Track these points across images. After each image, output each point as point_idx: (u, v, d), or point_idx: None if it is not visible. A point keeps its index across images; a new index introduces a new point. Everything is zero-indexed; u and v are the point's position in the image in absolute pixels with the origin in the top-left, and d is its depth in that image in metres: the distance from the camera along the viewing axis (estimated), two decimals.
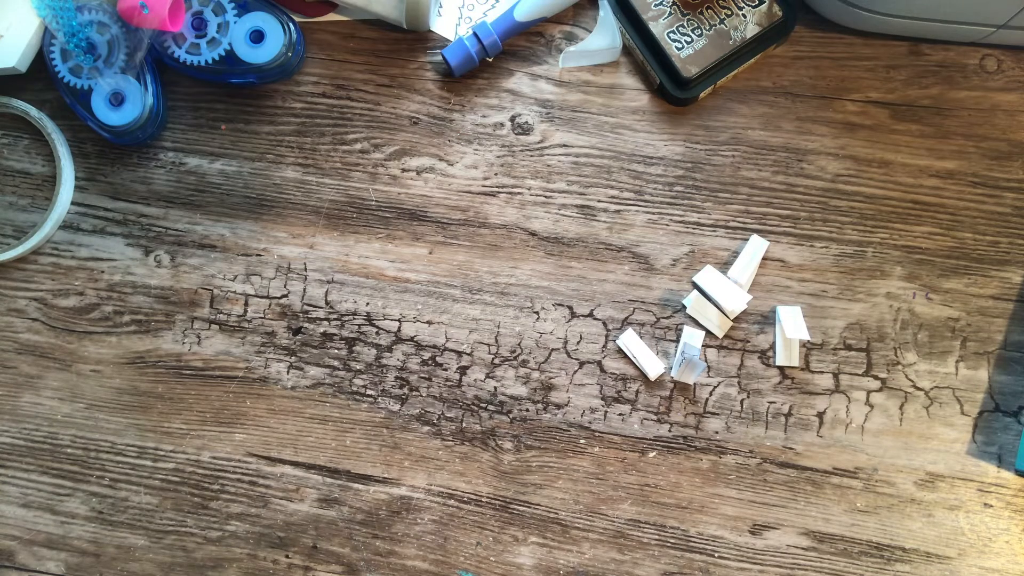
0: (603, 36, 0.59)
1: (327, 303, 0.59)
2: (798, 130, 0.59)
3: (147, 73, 0.59)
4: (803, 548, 0.56)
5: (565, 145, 0.60)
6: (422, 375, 0.59)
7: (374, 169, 0.60)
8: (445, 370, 0.59)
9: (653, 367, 0.57)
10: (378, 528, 0.58)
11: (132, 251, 0.61)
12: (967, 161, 0.58)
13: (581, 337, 0.58)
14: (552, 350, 0.58)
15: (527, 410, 0.58)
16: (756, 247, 0.58)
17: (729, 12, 0.58)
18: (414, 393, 0.59)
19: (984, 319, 0.57)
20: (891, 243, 0.58)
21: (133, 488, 0.59)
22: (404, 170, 0.60)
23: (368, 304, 0.59)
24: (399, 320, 0.59)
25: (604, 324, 0.58)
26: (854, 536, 0.56)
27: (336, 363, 0.59)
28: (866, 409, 0.57)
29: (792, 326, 0.56)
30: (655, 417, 0.57)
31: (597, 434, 0.58)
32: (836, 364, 0.57)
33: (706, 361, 0.58)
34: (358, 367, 0.59)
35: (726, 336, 0.58)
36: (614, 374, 0.58)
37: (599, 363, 0.58)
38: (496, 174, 0.60)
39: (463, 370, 0.58)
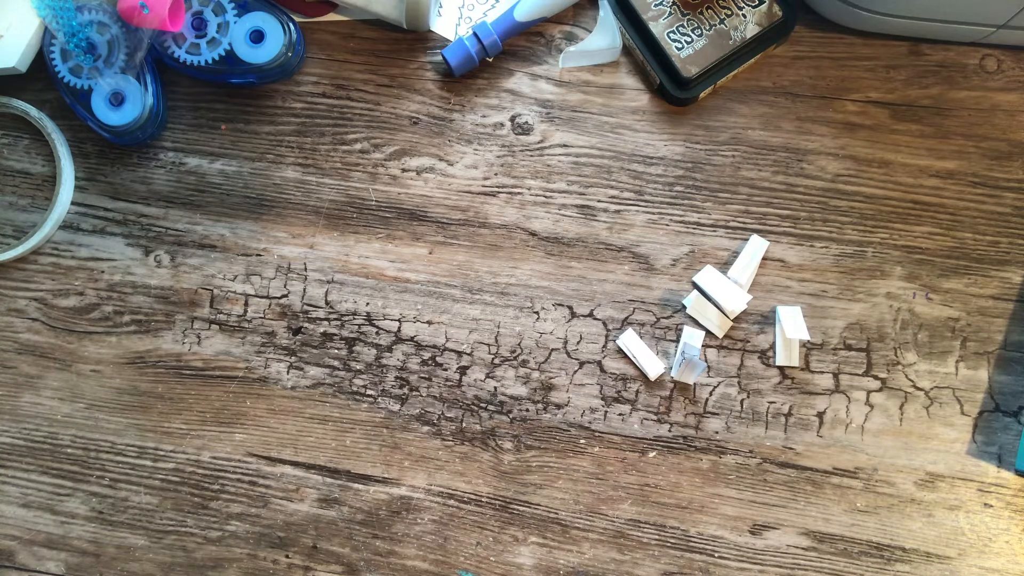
0: (603, 36, 0.59)
1: (327, 303, 0.60)
2: (798, 130, 0.59)
3: (147, 73, 0.59)
4: (803, 548, 0.56)
5: (565, 145, 0.60)
6: (422, 375, 0.59)
7: (374, 169, 0.60)
8: (445, 370, 0.59)
9: (653, 367, 0.57)
10: (378, 528, 0.58)
11: (132, 251, 0.61)
12: (967, 161, 0.58)
13: (581, 337, 0.58)
14: (552, 350, 0.58)
15: (527, 410, 0.58)
16: (756, 247, 0.58)
17: (729, 12, 0.58)
18: (414, 393, 0.59)
19: (984, 319, 0.57)
20: (891, 243, 0.58)
21: (133, 488, 0.59)
22: (404, 170, 0.60)
23: (368, 304, 0.59)
24: (399, 320, 0.59)
25: (604, 324, 0.58)
26: (854, 536, 0.56)
27: (336, 363, 0.59)
28: (866, 409, 0.57)
29: (792, 326, 0.56)
30: (655, 417, 0.57)
31: (597, 434, 0.58)
32: (836, 364, 0.57)
33: (706, 361, 0.58)
34: (358, 367, 0.59)
35: (726, 336, 0.58)
36: (614, 374, 0.58)
37: (599, 363, 0.58)
38: (496, 174, 0.60)
39: (463, 370, 0.58)
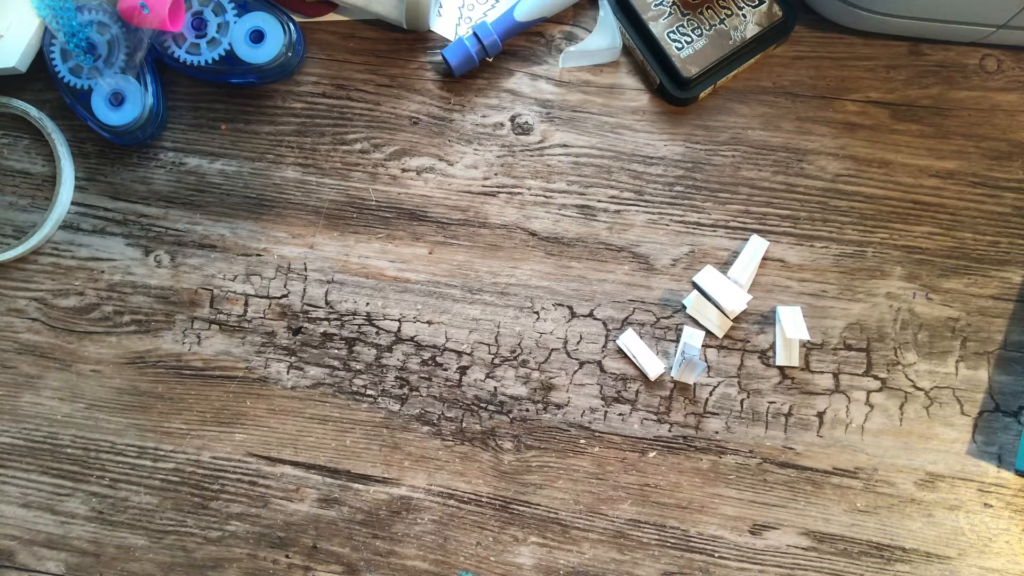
0: (603, 36, 0.59)
1: (327, 303, 0.60)
2: (798, 130, 0.59)
3: (147, 73, 0.59)
4: (803, 548, 0.56)
5: (565, 145, 0.60)
6: (422, 375, 0.59)
7: (374, 169, 0.60)
8: (445, 370, 0.59)
9: (653, 367, 0.57)
10: (378, 528, 0.58)
11: (132, 251, 0.61)
12: (967, 161, 0.58)
13: (581, 337, 0.58)
14: (552, 350, 0.58)
15: (527, 410, 0.58)
16: (756, 247, 0.58)
17: (729, 12, 0.58)
18: (414, 393, 0.59)
19: (984, 319, 0.57)
20: (891, 243, 0.58)
21: (133, 488, 0.59)
22: (404, 170, 0.60)
23: (368, 304, 0.59)
24: (399, 320, 0.59)
25: (604, 324, 0.58)
26: (854, 536, 0.56)
27: (336, 363, 0.59)
28: (866, 409, 0.57)
29: (792, 326, 0.56)
30: (655, 417, 0.57)
31: (597, 434, 0.58)
32: (836, 364, 0.57)
33: (706, 361, 0.58)
34: (358, 367, 0.59)
35: (726, 336, 0.58)
36: (614, 374, 0.58)
37: (599, 363, 0.58)
38: (496, 174, 0.60)
39: (463, 370, 0.58)
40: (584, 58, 0.60)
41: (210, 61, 0.58)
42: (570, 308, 0.59)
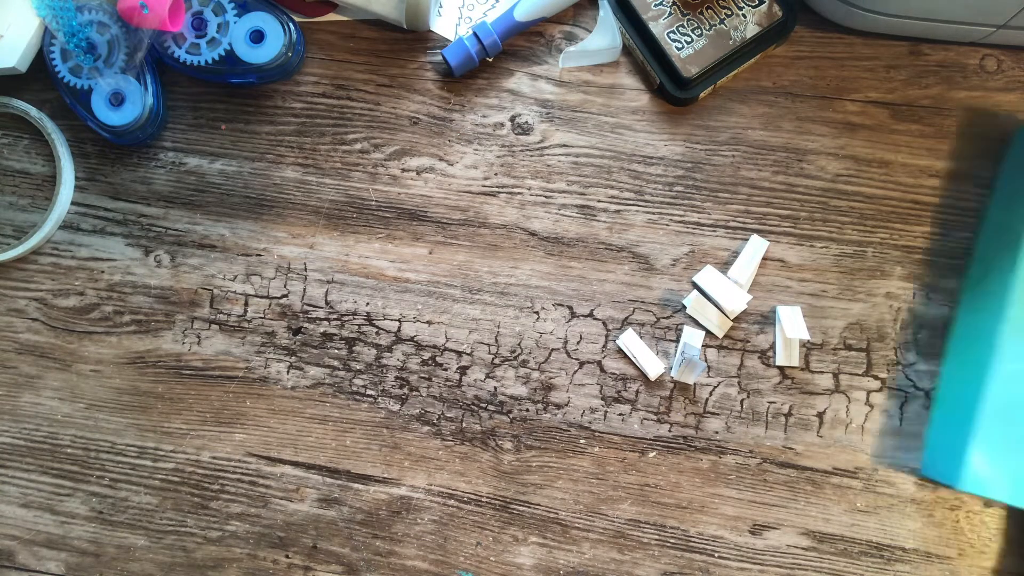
0: (603, 36, 0.59)
1: (327, 303, 0.60)
2: (798, 130, 0.59)
3: (147, 73, 0.59)
4: (803, 548, 0.56)
5: (565, 145, 0.60)
6: (422, 375, 0.59)
7: (374, 169, 0.60)
8: (445, 370, 0.59)
9: (653, 367, 0.57)
10: (378, 528, 0.58)
11: (132, 251, 0.61)
12: (967, 161, 0.58)
13: (581, 337, 0.58)
14: (552, 350, 0.58)
15: (527, 410, 0.58)
16: (756, 247, 0.58)
17: (729, 12, 0.58)
18: (414, 393, 0.59)
19: None
20: (891, 243, 0.58)
21: (133, 488, 0.59)
22: (404, 170, 0.60)
23: (368, 304, 0.59)
24: (399, 320, 0.59)
25: (604, 324, 0.58)
26: (854, 536, 0.56)
27: (336, 363, 0.59)
28: (866, 409, 0.57)
29: (792, 326, 0.56)
30: (655, 417, 0.57)
31: (597, 434, 0.58)
32: (836, 364, 0.57)
33: (706, 361, 0.58)
34: (358, 367, 0.59)
35: (726, 336, 0.58)
36: (614, 374, 0.58)
37: (599, 363, 0.58)
38: (496, 174, 0.60)
39: (463, 370, 0.58)
40: (584, 58, 0.60)
41: (210, 61, 0.58)
42: (570, 308, 0.59)
